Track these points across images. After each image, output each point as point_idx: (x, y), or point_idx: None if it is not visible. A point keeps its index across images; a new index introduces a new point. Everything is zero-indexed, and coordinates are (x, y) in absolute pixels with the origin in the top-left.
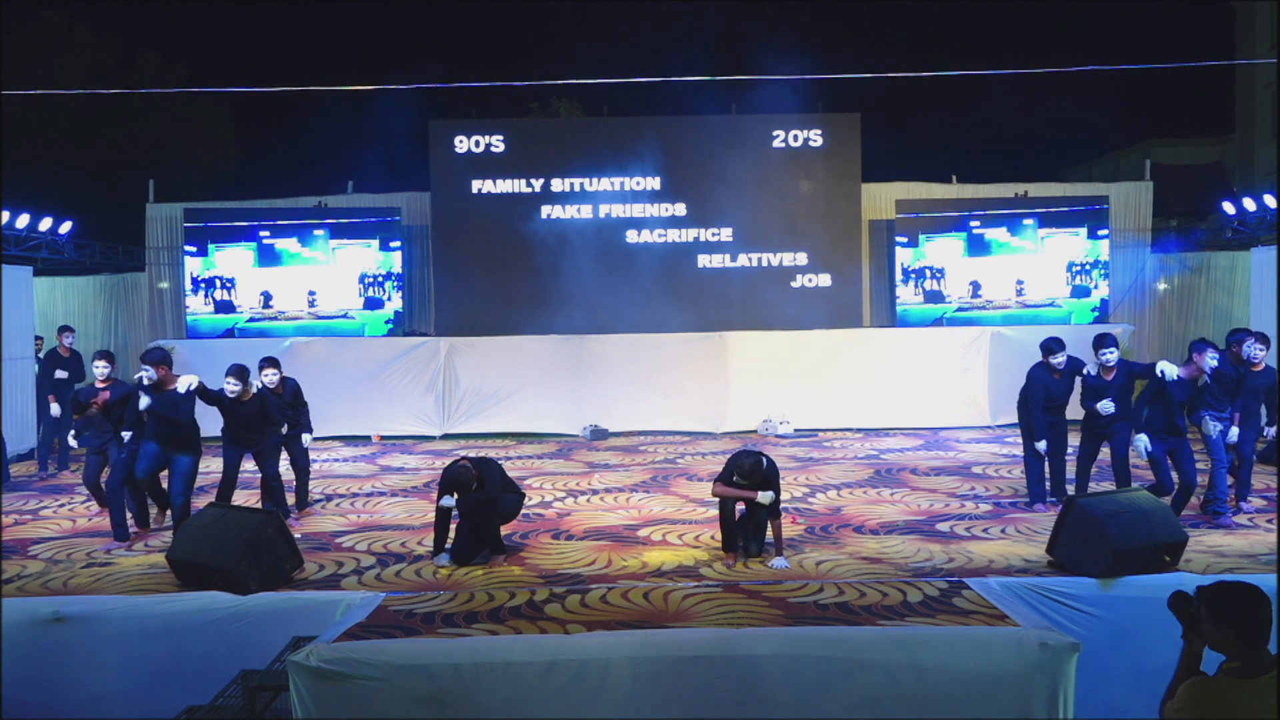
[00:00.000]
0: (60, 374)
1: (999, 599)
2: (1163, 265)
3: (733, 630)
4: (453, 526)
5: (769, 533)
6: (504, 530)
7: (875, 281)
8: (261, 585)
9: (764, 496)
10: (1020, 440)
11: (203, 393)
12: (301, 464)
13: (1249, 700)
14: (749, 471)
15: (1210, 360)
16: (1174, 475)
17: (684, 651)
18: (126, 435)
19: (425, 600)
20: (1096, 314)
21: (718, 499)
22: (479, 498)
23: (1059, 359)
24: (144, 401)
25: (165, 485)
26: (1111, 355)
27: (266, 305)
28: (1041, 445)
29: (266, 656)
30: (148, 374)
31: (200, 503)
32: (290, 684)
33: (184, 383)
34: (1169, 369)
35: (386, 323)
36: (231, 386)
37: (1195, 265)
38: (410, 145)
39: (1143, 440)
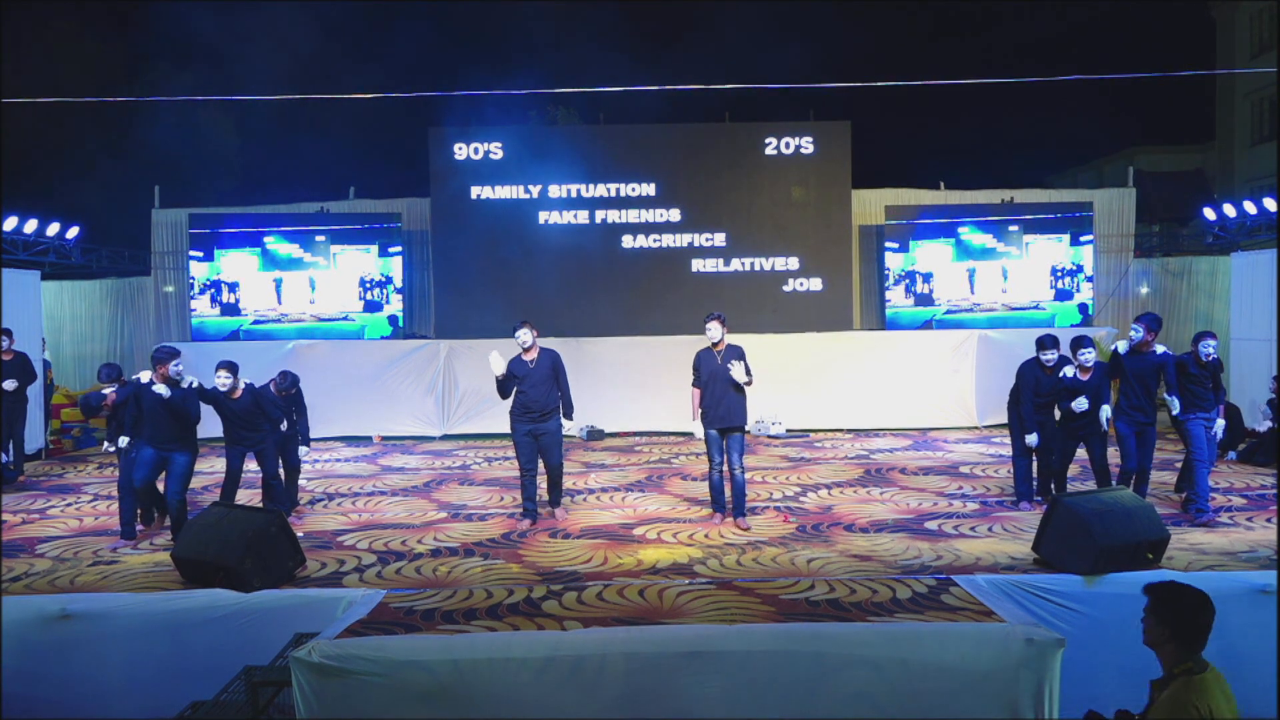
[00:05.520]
0: (10, 384)
1: (986, 596)
2: (1145, 270)
3: (726, 626)
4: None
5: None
6: (501, 530)
7: (865, 285)
8: (264, 583)
9: (736, 370)
10: (1008, 440)
11: (199, 391)
12: (293, 464)
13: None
14: (710, 321)
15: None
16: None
17: (678, 647)
18: (124, 440)
19: (425, 597)
20: (1081, 316)
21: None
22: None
23: (1049, 355)
24: (165, 391)
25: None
26: (1089, 355)
27: (270, 308)
28: (1032, 438)
29: (269, 652)
30: (176, 368)
31: (204, 502)
32: (292, 679)
33: (186, 379)
34: (1119, 344)
35: (390, 319)
36: (223, 379)
37: (1177, 270)
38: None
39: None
